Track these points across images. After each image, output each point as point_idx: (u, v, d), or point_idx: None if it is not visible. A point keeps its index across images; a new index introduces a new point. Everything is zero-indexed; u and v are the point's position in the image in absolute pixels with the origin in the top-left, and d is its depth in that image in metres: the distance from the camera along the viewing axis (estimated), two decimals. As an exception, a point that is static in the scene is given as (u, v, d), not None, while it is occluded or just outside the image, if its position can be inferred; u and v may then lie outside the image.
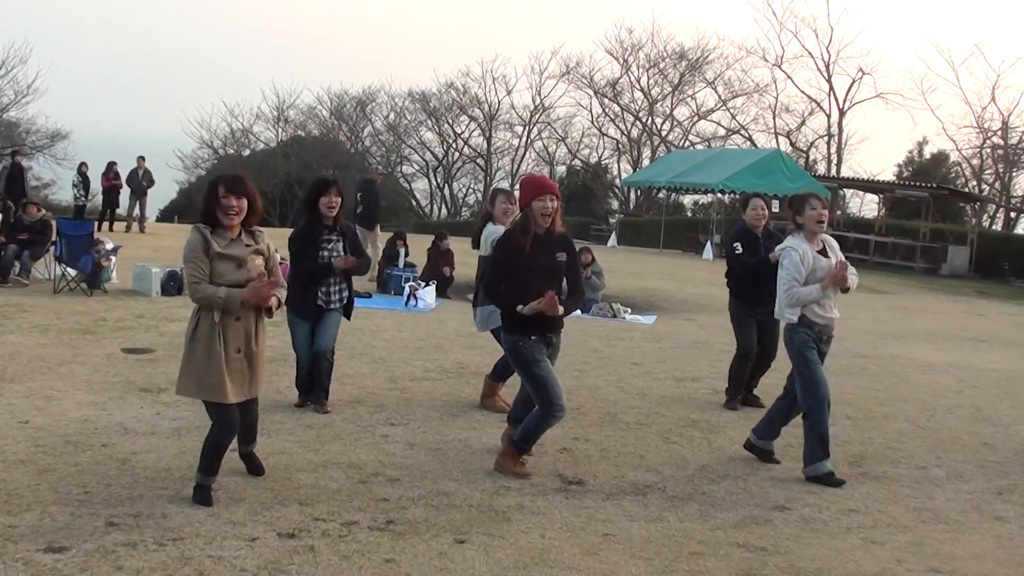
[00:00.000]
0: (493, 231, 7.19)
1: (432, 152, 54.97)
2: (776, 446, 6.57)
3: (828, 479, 6.08)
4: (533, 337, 5.76)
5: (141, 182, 23.16)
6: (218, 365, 4.92)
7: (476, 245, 7.48)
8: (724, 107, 50.03)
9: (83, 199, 23.58)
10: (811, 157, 47.51)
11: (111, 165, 23.43)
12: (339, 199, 7.04)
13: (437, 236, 16.42)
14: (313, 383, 7.22)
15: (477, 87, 53.34)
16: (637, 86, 51.33)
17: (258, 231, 5.14)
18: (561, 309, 5.67)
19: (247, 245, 5.02)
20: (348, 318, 7.41)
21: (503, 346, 6.17)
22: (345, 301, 7.27)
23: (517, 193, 6.50)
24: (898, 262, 29.64)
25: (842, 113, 45.97)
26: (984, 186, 44.16)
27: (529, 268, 5.70)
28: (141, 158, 23.59)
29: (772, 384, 7.81)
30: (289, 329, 7.22)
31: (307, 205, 7.18)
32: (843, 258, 6.30)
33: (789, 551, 4.84)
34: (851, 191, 41.38)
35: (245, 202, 4.96)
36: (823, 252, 6.22)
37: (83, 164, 24.19)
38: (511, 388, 7.91)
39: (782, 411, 6.49)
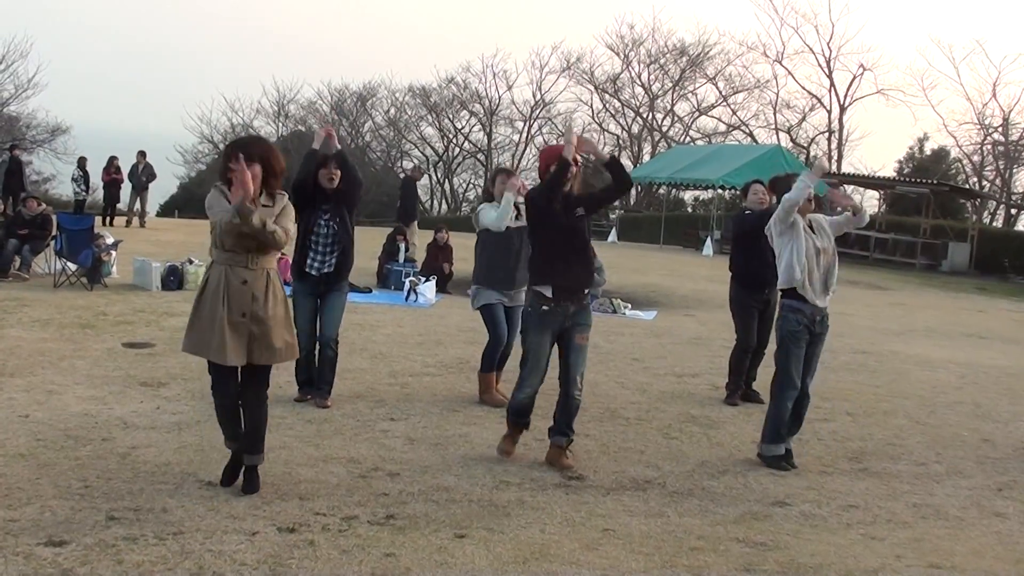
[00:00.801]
0: (487, 206, 7.41)
1: (432, 147, 54.91)
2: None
3: (777, 462, 6.19)
4: (545, 308, 5.91)
5: (141, 177, 23.14)
6: (220, 325, 4.88)
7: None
8: (725, 103, 49.95)
9: (83, 194, 23.57)
10: (812, 153, 47.40)
11: (112, 160, 23.42)
12: (339, 171, 7.06)
13: (434, 230, 16.40)
14: (310, 370, 7.24)
15: (477, 82, 53.26)
16: (638, 81, 51.26)
17: (280, 194, 5.05)
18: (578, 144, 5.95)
19: (264, 206, 4.95)
20: (341, 277, 7.25)
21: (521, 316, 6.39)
22: (335, 266, 7.15)
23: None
24: (898, 258, 29.61)
25: (843, 109, 45.90)
26: (985, 183, 44.10)
27: (558, 227, 5.95)
28: (142, 153, 23.57)
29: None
30: (292, 304, 7.24)
31: (307, 173, 7.14)
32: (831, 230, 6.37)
33: (789, 547, 4.85)
34: (852, 187, 41.34)
35: (258, 167, 4.89)
36: (811, 228, 6.29)
37: (83, 159, 24.18)
38: (509, 384, 7.91)
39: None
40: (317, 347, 7.28)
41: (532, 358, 6.00)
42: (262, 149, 4.99)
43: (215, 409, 5.24)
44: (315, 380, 7.30)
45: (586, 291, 6.08)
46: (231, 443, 5.22)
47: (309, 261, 7.11)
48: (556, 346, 6.08)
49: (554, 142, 54.19)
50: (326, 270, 7.13)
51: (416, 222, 16.92)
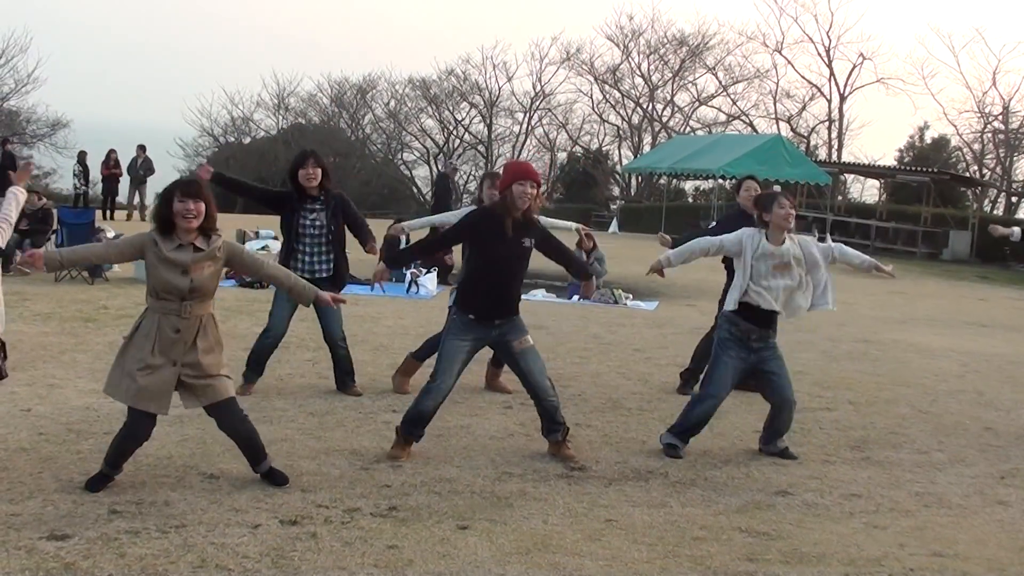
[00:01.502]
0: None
1: (433, 139, 54.78)
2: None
3: (671, 449, 6.17)
4: (471, 316, 5.77)
5: (139, 171, 23.13)
6: (144, 372, 4.84)
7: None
8: (725, 93, 49.81)
9: (83, 188, 23.56)
10: (812, 142, 47.35)
11: (110, 153, 23.40)
12: (318, 170, 7.06)
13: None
14: (263, 365, 7.28)
15: (477, 74, 53.08)
16: (638, 72, 51.11)
17: (215, 234, 4.98)
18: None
19: (197, 250, 4.88)
20: (337, 289, 7.15)
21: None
22: (331, 272, 7.17)
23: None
24: (899, 247, 29.58)
25: (843, 98, 45.77)
26: (985, 171, 44.02)
27: (502, 253, 5.73)
28: (141, 147, 23.56)
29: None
30: (274, 296, 7.27)
31: (289, 177, 7.23)
32: (815, 250, 6.19)
33: (792, 536, 4.84)
34: (852, 176, 41.28)
35: (203, 205, 4.85)
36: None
37: (83, 153, 24.16)
38: (509, 380, 7.91)
39: (770, 417, 6.41)
40: (328, 348, 7.39)
41: (446, 360, 5.77)
42: (205, 193, 4.92)
43: (117, 436, 5.03)
44: (336, 378, 7.43)
45: (511, 316, 5.86)
46: (109, 468, 5.00)
47: (294, 263, 7.06)
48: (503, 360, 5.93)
49: (554, 133, 54.22)
50: (320, 275, 7.08)
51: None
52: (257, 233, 18.33)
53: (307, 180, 7.04)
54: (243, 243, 15.11)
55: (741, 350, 6.14)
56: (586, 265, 6.19)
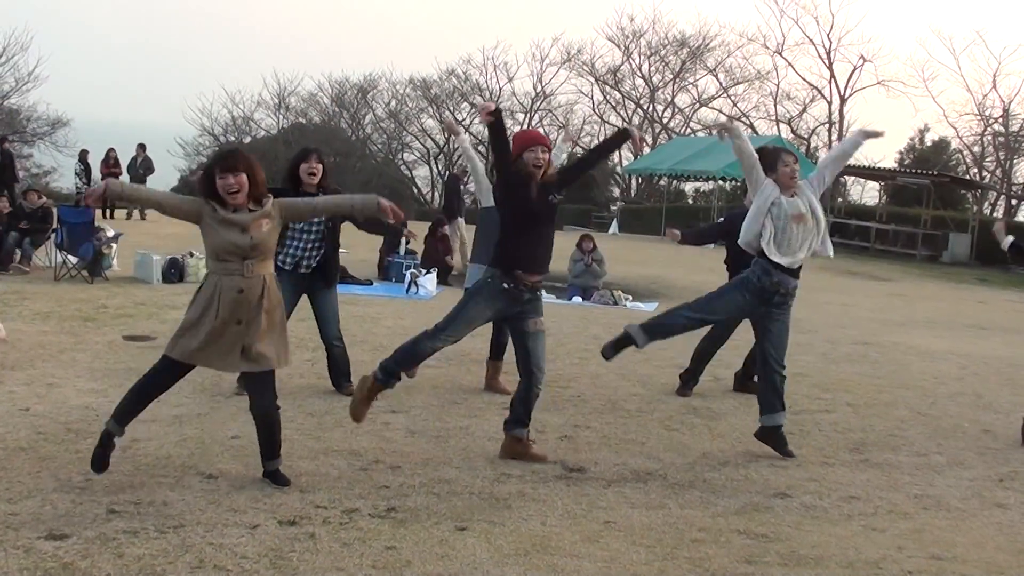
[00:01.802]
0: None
1: (433, 139, 54.80)
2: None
3: (626, 338, 6.28)
4: (506, 285, 5.78)
5: (139, 170, 23.15)
6: (207, 331, 4.88)
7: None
8: (725, 94, 49.89)
9: (85, 186, 23.57)
10: (812, 144, 47.40)
11: (109, 152, 23.42)
12: (320, 166, 7.02)
13: (435, 222, 16.37)
14: None
15: (478, 74, 53.10)
16: (638, 73, 51.18)
17: (266, 198, 5.02)
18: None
19: (252, 210, 4.93)
20: (328, 283, 7.24)
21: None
22: (318, 262, 7.11)
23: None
24: (899, 249, 29.60)
25: (843, 100, 45.80)
26: (985, 173, 44.06)
27: (531, 212, 5.83)
28: (141, 146, 23.57)
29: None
30: None
31: (289, 172, 7.16)
32: (813, 195, 6.30)
33: (790, 538, 4.84)
34: (852, 178, 41.30)
35: (243, 176, 4.88)
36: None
37: (84, 152, 24.18)
38: (514, 375, 7.92)
39: (762, 386, 6.45)
40: (324, 347, 7.37)
41: (465, 321, 5.81)
42: (245, 162, 4.94)
43: (135, 385, 5.09)
44: (331, 377, 7.40)
45: (541, 279, 5.99)
46: (115, 425, 5.03)
47: (282, 257, 6.97)
48: (510, 336, 6.00)
49: (554, 134, 54.23)
50: (303, 270, 7.05)
51: (460, 219, 17.11)
52: None
53: (308, 175, 6.96)
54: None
55: (756, 300, 6.19)
56: (610, 139, 6.41)
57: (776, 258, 6.14)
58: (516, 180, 5.84)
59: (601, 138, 52.68)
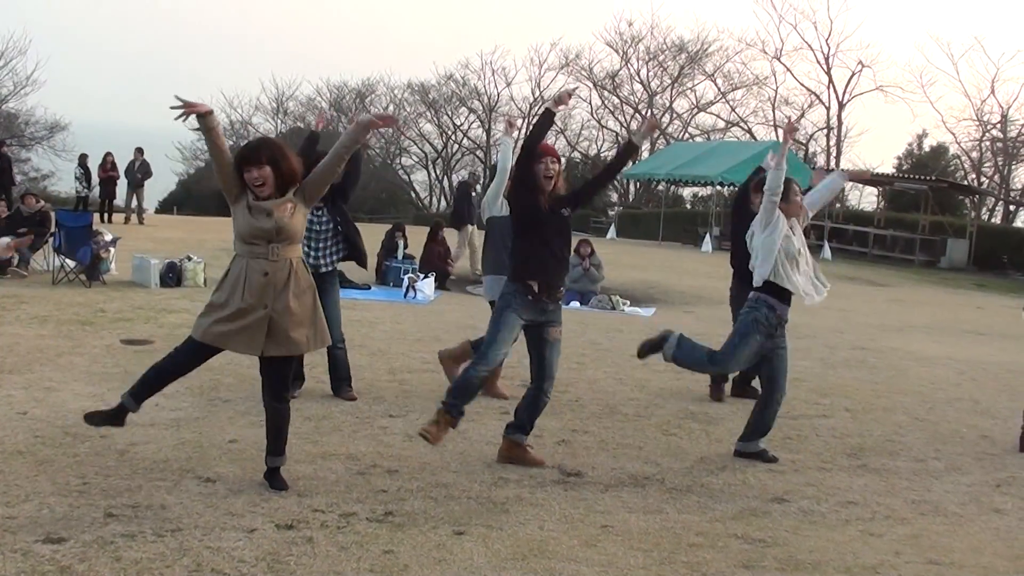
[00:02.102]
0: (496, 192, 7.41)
1: (431, 144, 54.86)
2: (770, 439, 6.53)
3: (654, 345, 6.51)
4: (530, 296, 5.79)
5: (137, 174, 23.14)
6: (232, 314, 4.89)
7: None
8: (723, 99, 49.96)
9: (85, 190, 23.57)
10: (811, 149, 47.45)
11: (107, 156, 23.41)
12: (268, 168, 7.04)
13: (434, 226, 16.38)
14: (299, 367, 7.24)
15: (476, 79, 53.16)
16: (636, 78, 51.26)
17: (295, 186, 5.02)
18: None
19: (279, 196, 4.96)
20: (361, 264, 7.37)
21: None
22: (334, 263, 7.19)
23: None
24: (897, 255, 29.62)
25: (841, 106, 45.89)
26: (983, 179, 44.10)
27: (540, 221, 5.83)
28: (139, 150, 23.56)
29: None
30: None
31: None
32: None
33: (788, 543, 4.84)
34: (850, 184, 41.36)
35: (267, 169, 4.89)
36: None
37: (84, 155, 24.17)
38: (510, 379, 7.93)
39: (758, 408, 6.46)
40: (326, 350, 7.34)
41: (506, 330, 5.80)
42: (270, 153, 4.95)
43: (159, 363, 5.10)
44: (331, 382, 7.40)
45: (562, 288, 6.02)
46: (131, 401, 5.05)
47: (311, 254, 7.05)
48: (526, 341, 6.00)
49: (552, 138, 54.22)
50: (324, 269, 7.09)
51: (469, 226, 17.15)
52: None
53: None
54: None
55: (765, 336, 6.24)
56: (616, 157, 6.41)
57: (787, 284, 6.20)
58: (531, 183, 5.83)
59: (599, 142, 52.80)
